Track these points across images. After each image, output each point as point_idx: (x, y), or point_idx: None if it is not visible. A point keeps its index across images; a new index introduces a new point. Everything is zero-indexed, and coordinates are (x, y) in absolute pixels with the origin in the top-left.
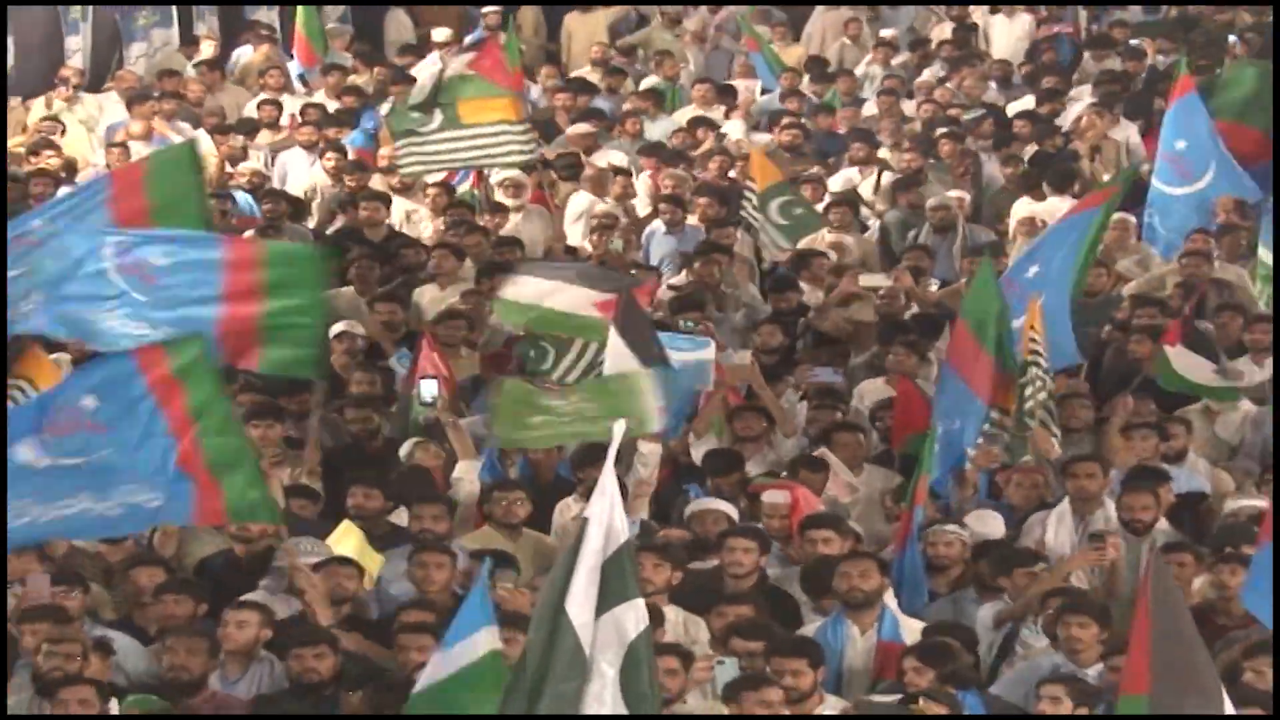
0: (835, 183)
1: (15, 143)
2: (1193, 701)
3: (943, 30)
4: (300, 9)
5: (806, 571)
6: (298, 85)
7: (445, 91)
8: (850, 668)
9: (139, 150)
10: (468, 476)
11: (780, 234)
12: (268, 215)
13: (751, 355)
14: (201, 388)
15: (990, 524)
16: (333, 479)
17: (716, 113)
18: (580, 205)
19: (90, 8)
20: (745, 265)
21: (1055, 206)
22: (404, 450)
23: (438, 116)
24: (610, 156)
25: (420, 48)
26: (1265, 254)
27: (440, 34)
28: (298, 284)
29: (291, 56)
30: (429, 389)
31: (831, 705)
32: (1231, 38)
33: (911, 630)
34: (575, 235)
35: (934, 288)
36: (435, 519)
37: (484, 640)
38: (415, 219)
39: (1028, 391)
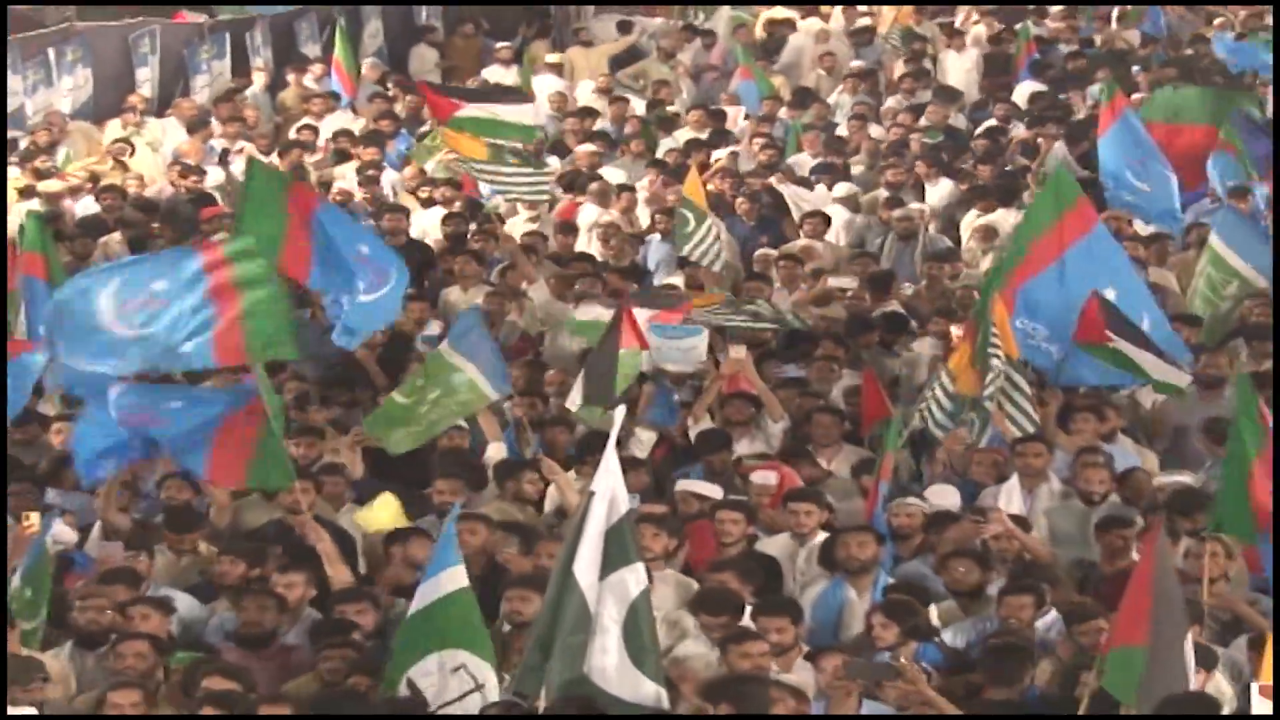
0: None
1: (90, 161)
2: (1178, 652)
3: (901, 66)
4: (338, 44)
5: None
6: (344, 110)
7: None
8: (848, 627)
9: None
10: (496, 456)
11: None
12: None
13: (746, 349)
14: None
15: (947, 497)
16: (374, 457)
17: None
18: (589, 217)
19: (159, 42)
20: (731, 269)
21: (1003, 218)
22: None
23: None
24: (612, 174)
25: (445, 77)
26: (1217, 242)
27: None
28: (261, 275)
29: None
30: None
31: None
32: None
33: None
34: (583, 243)
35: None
36: (454, 492)
37: (448, 578)
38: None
39: (987, 379)
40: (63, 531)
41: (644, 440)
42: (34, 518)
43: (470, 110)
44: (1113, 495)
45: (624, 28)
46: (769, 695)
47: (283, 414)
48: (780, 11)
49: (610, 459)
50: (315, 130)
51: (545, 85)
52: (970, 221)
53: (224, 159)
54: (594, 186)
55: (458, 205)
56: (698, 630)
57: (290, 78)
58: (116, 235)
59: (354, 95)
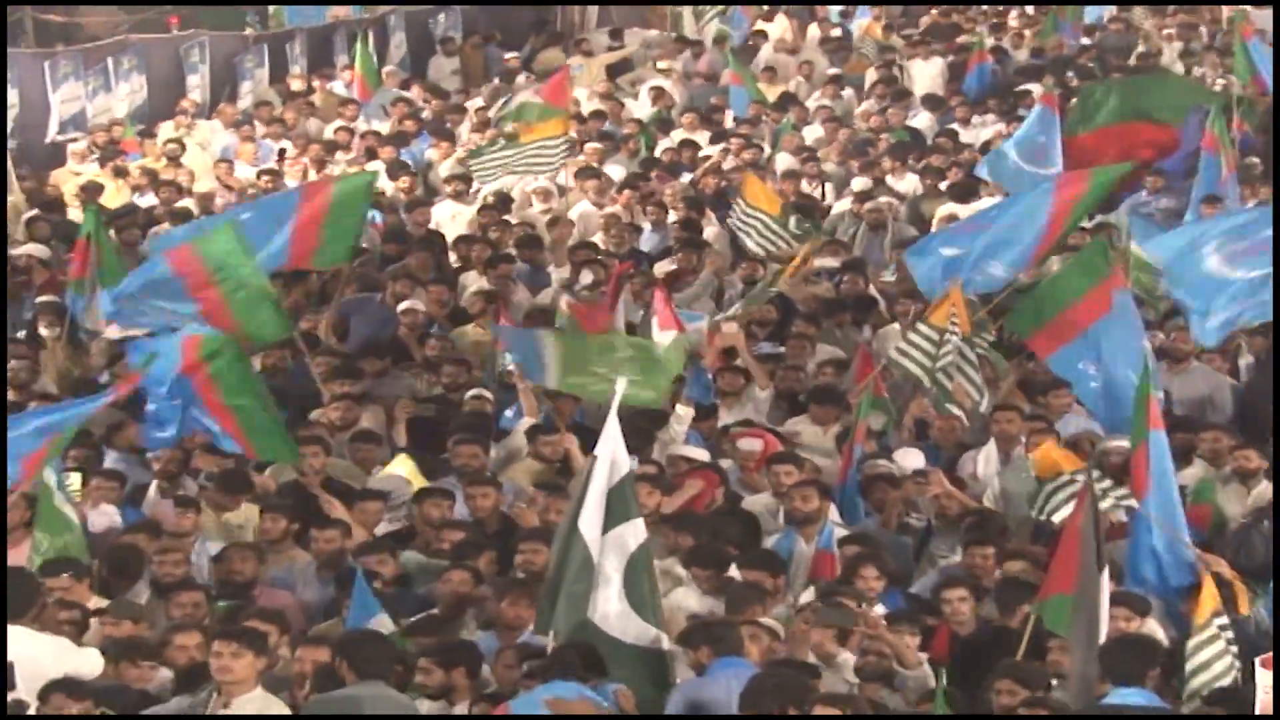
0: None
1: (146, 161)
2: (1094, 600)
3: (873, 74)
4: (359, 53)
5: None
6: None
7: (511, 116)
8: (796, 570)
9: (242, 168)
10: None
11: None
12: None
13: (738, 325)
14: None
15: (911, 459)
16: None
17: (700, 136)
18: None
19: (209, 52)
20: (721, 256)
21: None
22: (467, 395)
23: (500, 141)
24: (613, 170)
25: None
26: (1136, 249)
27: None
28: (233, 262)
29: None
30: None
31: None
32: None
33: None
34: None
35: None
36: (473, 457)
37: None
38: (459, 220)
39: (943, 350)
40: (105, 512)
41: (683, 416)
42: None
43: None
44: None
45: (615, 35)
46: (742, 637)
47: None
48: (761, 24)
49: (611, 425)
50: (350, 131)
51: None
52: (940, 213)
53: (281, 158)
54: (593, 184)
55: (490, 199)
56: (689, 580)
57: (315, 84)
58: (166, 226)
59: (367, 100)
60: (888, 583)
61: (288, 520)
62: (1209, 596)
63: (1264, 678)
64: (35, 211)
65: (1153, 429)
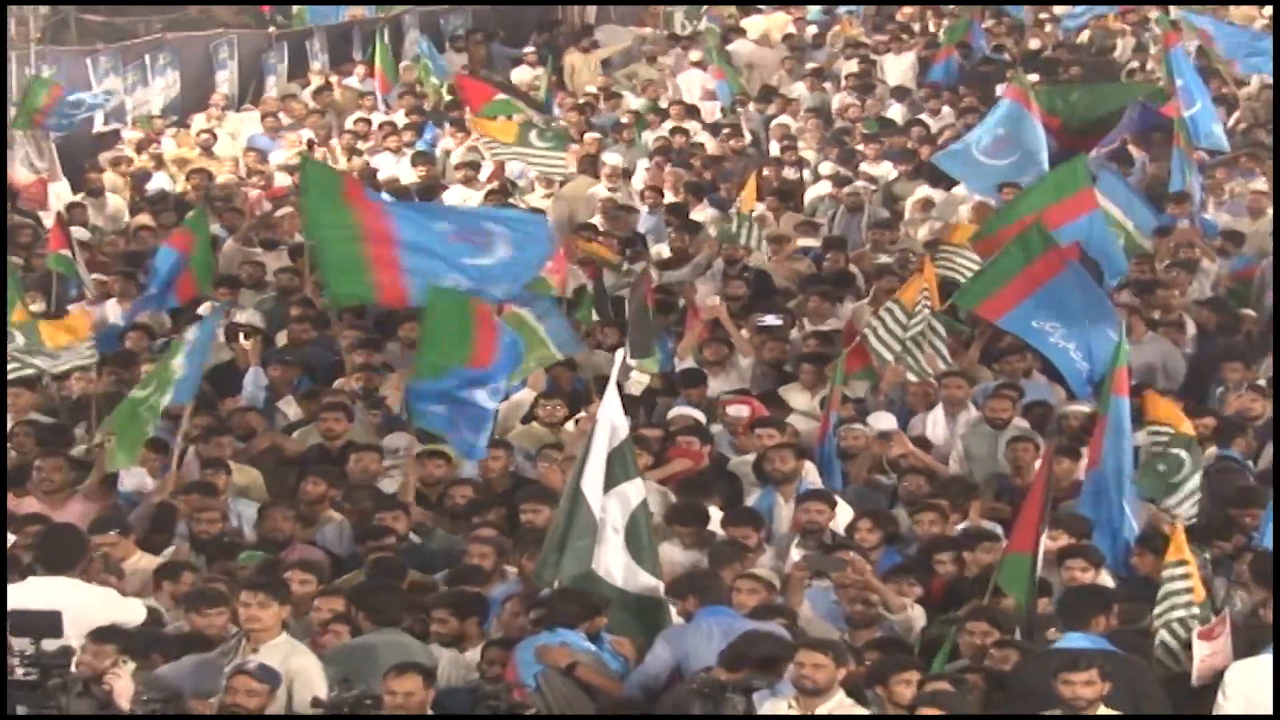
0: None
1: (182, 150)
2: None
3: (850, 66)
4: (378, 50)
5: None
6: (381, 105)
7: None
8: (778, 527)
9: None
10: (526, 399)
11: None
12: None
13: (721, 300)
14: None
15: (884, 421)
16: None
17: (690, 124)
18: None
19: (236, 49)
20: (712, 239)
21: (935, 193)
22: None
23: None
24: (610, 158)
25: None
26: (1103, 200)
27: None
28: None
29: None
30: None
31: (769, 556)
32: None
33: (844, 512)
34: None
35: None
36: None
37: None
38: (468, 203)
39: (913, 321)
40: (135, 474)
41: (639, 380)
42: None
43: (501, 96)
44: (1020, 421)
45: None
46: (725, 586)
47: None
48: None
49: (612, 393)
50: (368, 122)
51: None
52: (912, 196)
53: (311, 146)
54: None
55: (495, 184)
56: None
57: (334, 79)
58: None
59: (387, 93)
60: (885, 539)
61: (327, 484)
62: (1177, 543)
63: (1199, 649)
64: (79, 197)
65: (1115, 395)
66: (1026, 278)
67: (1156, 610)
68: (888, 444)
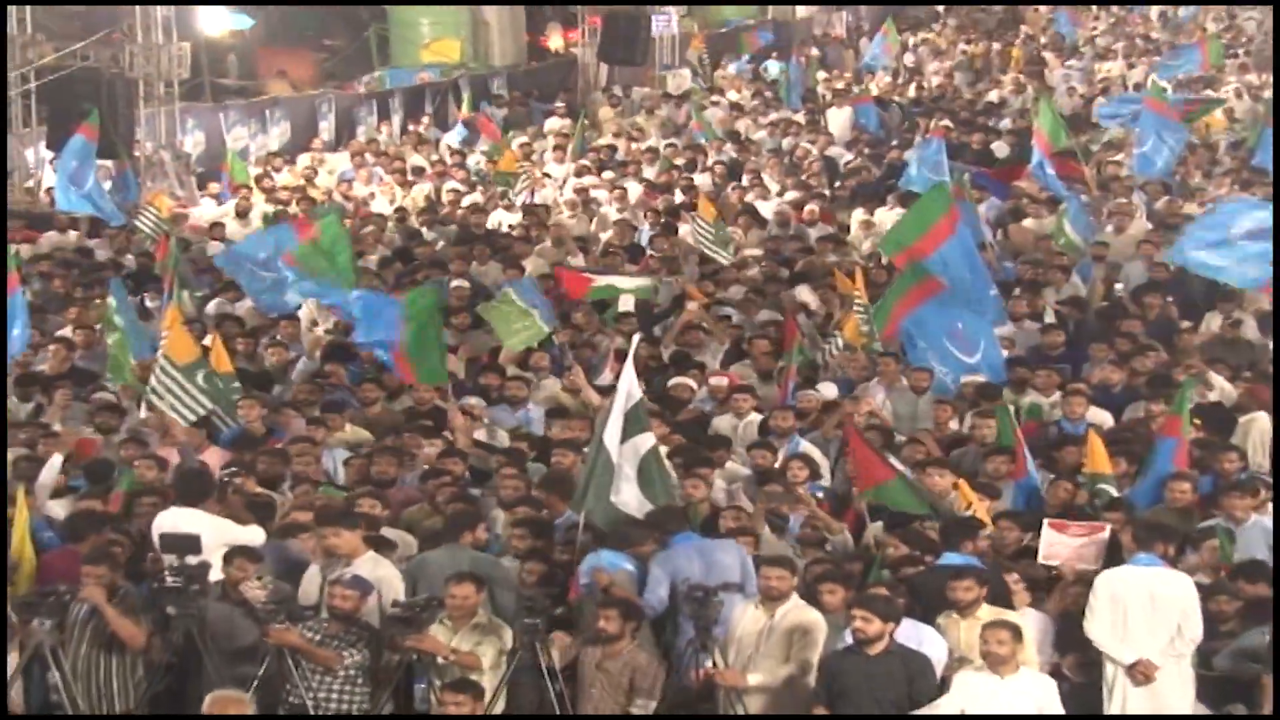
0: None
1: (290, 180)
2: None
3: (799, 117)
4: (465, 104)
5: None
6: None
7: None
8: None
9: (359, 188)
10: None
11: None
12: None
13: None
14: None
15: (828, 389)
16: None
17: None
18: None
19: (334, 105)
20: (695, 253)
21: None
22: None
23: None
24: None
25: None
26: (1067, 226)
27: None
28: None
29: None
30: None
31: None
32: None
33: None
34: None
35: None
36: (519, 388)
37: None
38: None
39: (860, 321)
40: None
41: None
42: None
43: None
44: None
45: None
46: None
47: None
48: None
49: (629, 364)
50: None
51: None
52: (856, 217)
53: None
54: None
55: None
56: None
57: (410, 127)
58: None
59: (498, 140)
60: (809, 475)
61: (422, 436)
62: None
63: (1047, 534)
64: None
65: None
66: (929, 239)
67: None
68: (857, 404)
